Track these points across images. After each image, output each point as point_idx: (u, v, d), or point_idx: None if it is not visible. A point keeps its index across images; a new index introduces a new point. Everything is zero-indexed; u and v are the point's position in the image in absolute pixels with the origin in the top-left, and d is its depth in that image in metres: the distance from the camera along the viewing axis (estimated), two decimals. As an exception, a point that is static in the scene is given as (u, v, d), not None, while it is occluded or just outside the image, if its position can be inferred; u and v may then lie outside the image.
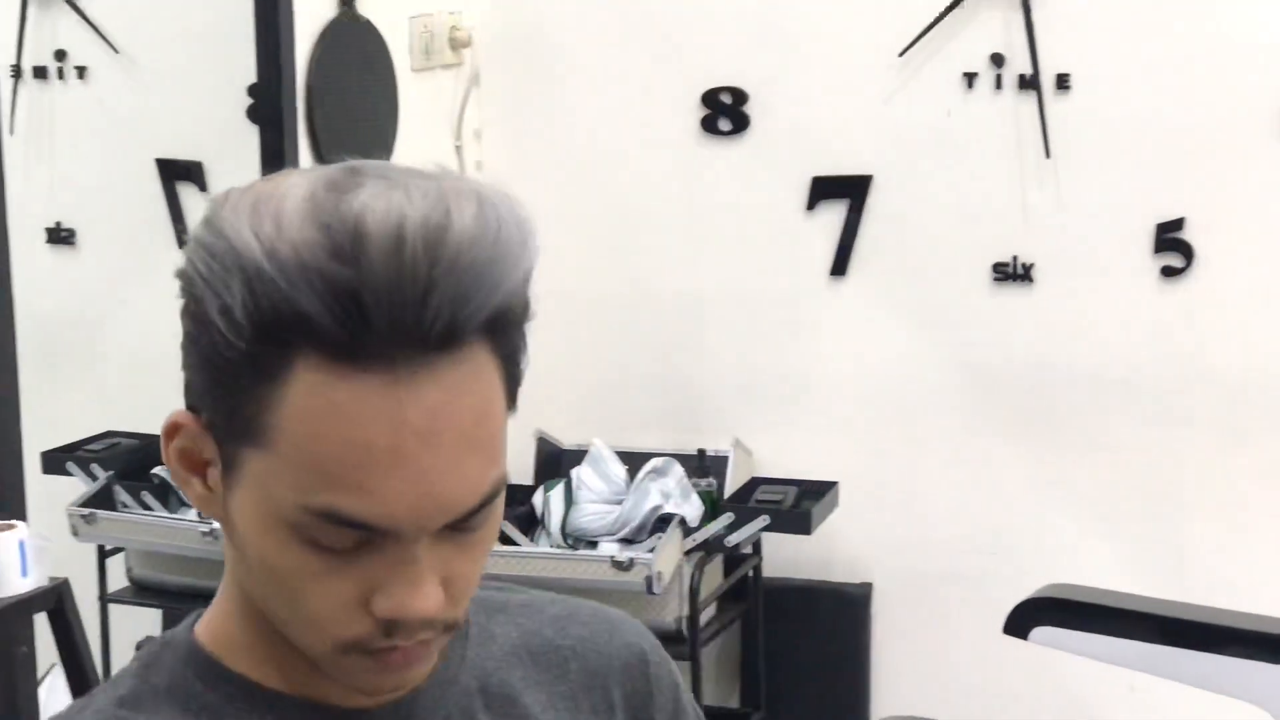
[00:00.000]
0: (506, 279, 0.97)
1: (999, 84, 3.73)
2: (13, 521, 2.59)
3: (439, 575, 1.01)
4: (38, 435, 2.90)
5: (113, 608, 3.40)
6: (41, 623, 2.70)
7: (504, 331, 1.01)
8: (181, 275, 1.01)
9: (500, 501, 1.03)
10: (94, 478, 3.33)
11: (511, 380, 1.04)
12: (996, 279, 3.79)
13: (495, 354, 1.00)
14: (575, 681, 1.21)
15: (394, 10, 3.71)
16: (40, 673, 2.84)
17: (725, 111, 3.92)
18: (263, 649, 1.09)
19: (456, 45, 3.94)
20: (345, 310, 0.94)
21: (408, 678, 1.07)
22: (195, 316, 0.99)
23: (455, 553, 1.02)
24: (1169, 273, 3.69)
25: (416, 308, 0.94)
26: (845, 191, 3.86)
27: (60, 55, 3.37)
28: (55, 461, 3.27)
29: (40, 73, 3.36)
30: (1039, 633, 2.73)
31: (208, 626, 1.12)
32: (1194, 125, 3.63)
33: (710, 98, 3.92)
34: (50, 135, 3.43)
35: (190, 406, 1.03)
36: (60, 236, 3.41)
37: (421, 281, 0.94)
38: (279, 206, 0.96)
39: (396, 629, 1.01)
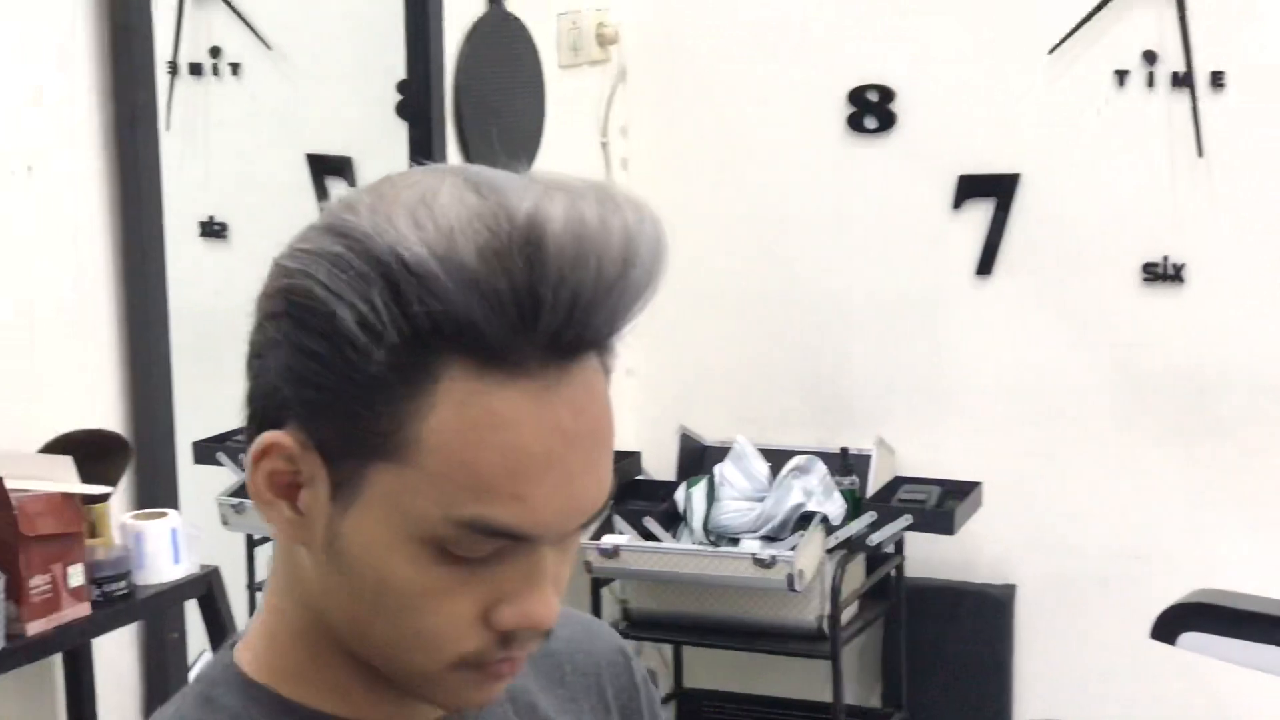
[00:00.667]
0: (657, 287, 0.97)
1: (1151, 81, 3.68)
2: (165, 510, 2.64)
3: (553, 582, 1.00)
4: (189, 426, 2.95)
5: (260, 597, 3.44)
6: (192, 609, 2.75)
7: (604, 347, 0.99)
8: (286, 291, 0.98)
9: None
10: (244, 468, 3.38)
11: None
12: (1146, 279, 3.75)
13: (600, 359, 0.99)
14: (573, 684, 1.20)
15: (542, 7, 3.73)
16: (190, 658, 2.90)
17: (871, 109, 3.90)
18: (317, 674, 1.05)
19: (604, 42, 3.96)
20: (514, 315, 0.92)
21: (501, 689, 1.06)
22: (312, 330, 0.95)
23: (563, 558, 1.01)
24: (1324, 274, 3.63)
25: (586, 314, 0.93)
26: (992, 190, 3.83)
27: (215, 52, 3.43)
28: (206, 452, 3.32)
29: (196, 69, 3.41)
30: (1187, 638, 2.70)
31: (253, 656, 1.07)
32: (1352, 124, 3.57)
33: (856, 95, 3.90)
34: (204, 131, 3.48)
35: (280, 424, 1.00)
36: (213, 230, 3.47)
37: (604, 288, 0.92)
38: (433, 209, 0.93)
39: (514, 639, 0.99)
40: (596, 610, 3.76)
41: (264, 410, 1.01)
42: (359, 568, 0.98)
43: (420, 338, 0.92)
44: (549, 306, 0.91)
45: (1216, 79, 3.63)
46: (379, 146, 3.47)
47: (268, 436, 1.00)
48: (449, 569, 0.96)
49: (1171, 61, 3.65)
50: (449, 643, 0.98)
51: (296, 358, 0.97)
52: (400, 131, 3.32)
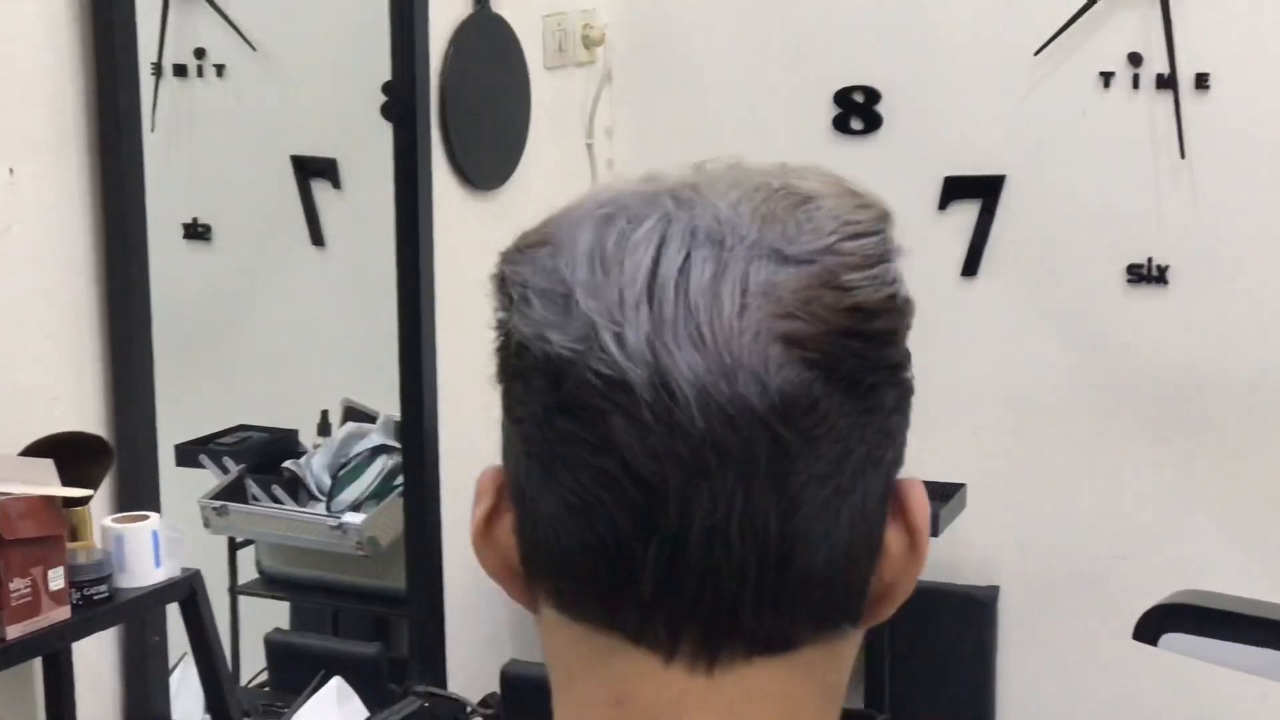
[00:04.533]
0: None
1: (1136, 83, 3.68)
2: (146, 513, 2.64)
3: None
4: (172, 428, 2.95)
5: (242, 599, 3.45)
6: (173, 613, 2.75)
7: None
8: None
9: None
10: (226, 470, 3.38)
11: None
12: (1131, 281, 3.75)
13: None
14: None
15: (527, 9, 3.73)
16: (171, 662, 2.89)
17: (857, 110, 3.90)
18: None
19: (589, 43, 3.96)
20: None
21: None
22: None
23: None
24: (1308, 276, 3.64)
25: None
26: (978, 191, 3.83)
27: (200, 53, 3.42)
28: (188, 454, 3.32)
29: (180, 70, 3.41)
30: (1169, 639, 2.71)
31: None
32: (1336, 126, 3.57)
33: (842, 96, 3.91)
34: (189, 132, 3.48)
35: None
36: (197, 232, 3.46)
37: None
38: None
39: None
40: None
41: None
42: None
43: None
44: None
45: (1200, 81, 3.63)
46: (364, 148, 3.47)
47: None
48: None
49: (1156, 63, 3.65)
50: None
51: None
52: (385, 133, 3.32)
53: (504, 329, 0.85)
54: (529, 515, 0.84)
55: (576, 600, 0.84)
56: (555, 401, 0.82)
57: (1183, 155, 3.65)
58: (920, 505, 0.90)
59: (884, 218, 0.88)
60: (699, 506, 0.80)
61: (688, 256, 0.82)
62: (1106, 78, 3.70)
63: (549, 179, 3.82)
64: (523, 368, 0.83)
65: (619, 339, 0.80)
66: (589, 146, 4.01)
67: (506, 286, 0.86)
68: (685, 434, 0.80)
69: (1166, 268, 3.72)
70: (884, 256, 0.86)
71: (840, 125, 3.91)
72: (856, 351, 0.85)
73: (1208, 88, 3.63)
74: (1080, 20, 3.67)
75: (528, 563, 0.86)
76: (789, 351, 0.81)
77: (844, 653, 0.89)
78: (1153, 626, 2.72)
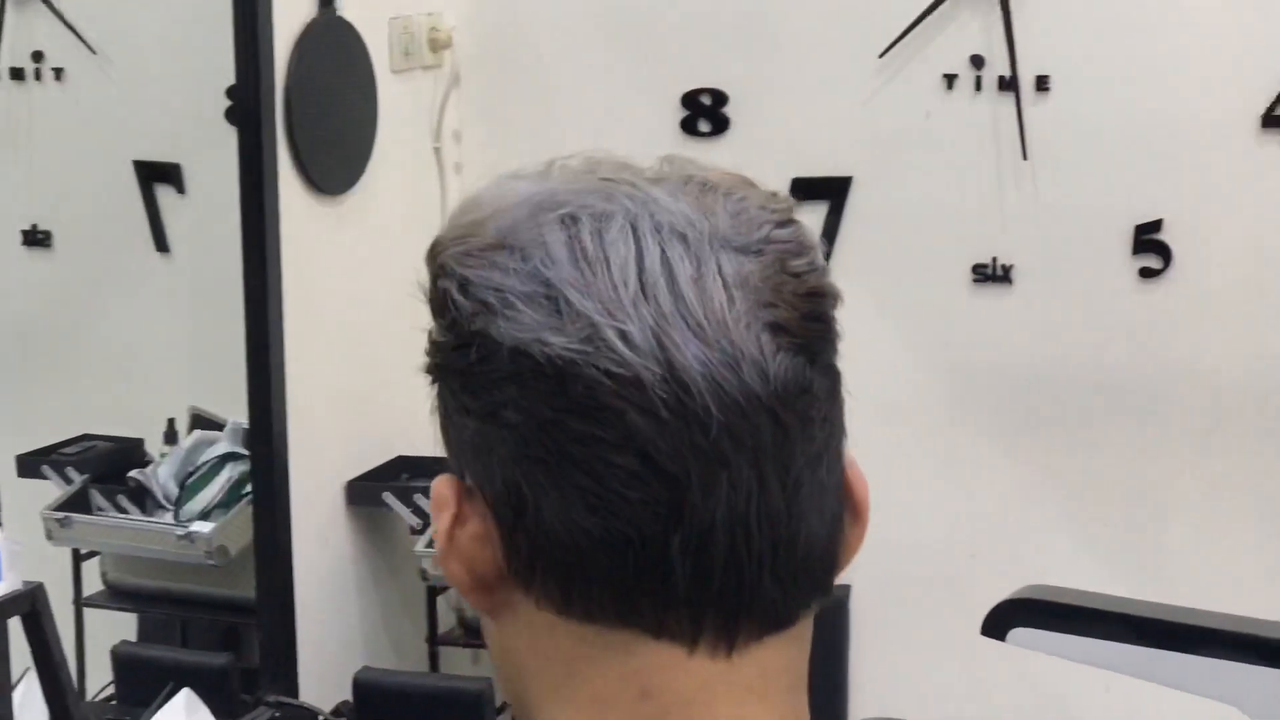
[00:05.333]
0: None
1: (979, 85, 3.73)
2: (-12, 525, 2.59)
3: None
4: (13, 439, 2.90)
5: (88, 612, 3.39)
6: (15, 627, 2.69)
7: None
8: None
9: None
10: (69, 481, 3.32)
11: None
12: (976, 280, 3.80)
13: None
14: None
15: (374, 11, 3.70)
16: (14, 677, 2.83)
17: (705, 113, 3.91)
18: None
19: (436, 46, 3.94)
20: None
21: None
22: None
23: None
24: (1147, 274, 3.70)
25: None
26: (825, 193, 3.86)
27: (38, 56, 3.36)
28: (30, 465, 3.26)
29: (17, 74, 3.34)
30: (1016, 634, 2.74)
31: None
32: (1172, 126, 3.64)
33: (690, 99, 3.92)
34: (28, 137, 3.42)
35: None
36: (36, 239, 3.40)
37: None
38: None
39: None
40: (433, 619, 3.73)
41: None
42: None
43: None
44: None
45: (1041, 82, 3.68)
46: (209, 152, 3.42)
47: None
48: None
49: (998, 66, 3.70)
50: None
51: None
52: (230, 137, 3.27)
53: (479, 335, 0.85)
54: (528, 518, 0.84)
55: (586, 599, 0.85)
56: (564, 404, 0.82)
57: (1025, 156, 3.70)
58: (862, 481, 0.93)
59: (791, 203, 0.92)
60: (720, 496, 0.83)
61: (664, 251, 0.85)
62: (950, 80, 3.74)
63: (397, 183, 3.80)
64: (517, 372, 0.83)
65: (624, 336, 0.82)
66: (437, 150, 3.99)
67: (472, 291, 0.85)
68: (702, 425, 0.82)
69: (1011, 267, 3.77)
70: (810, 241, 0.91)
71: (688, 127, 3.92)
72: (822, 334, 0.90)
73: (1048, 89, 3.69)
74: (923, 23, 3.71)
75: (523, 566, 0.86)
76: (777, 339, 0.85)
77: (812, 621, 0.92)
78: (1000, 622, 2.75)
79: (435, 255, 0.89)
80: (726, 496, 0.83)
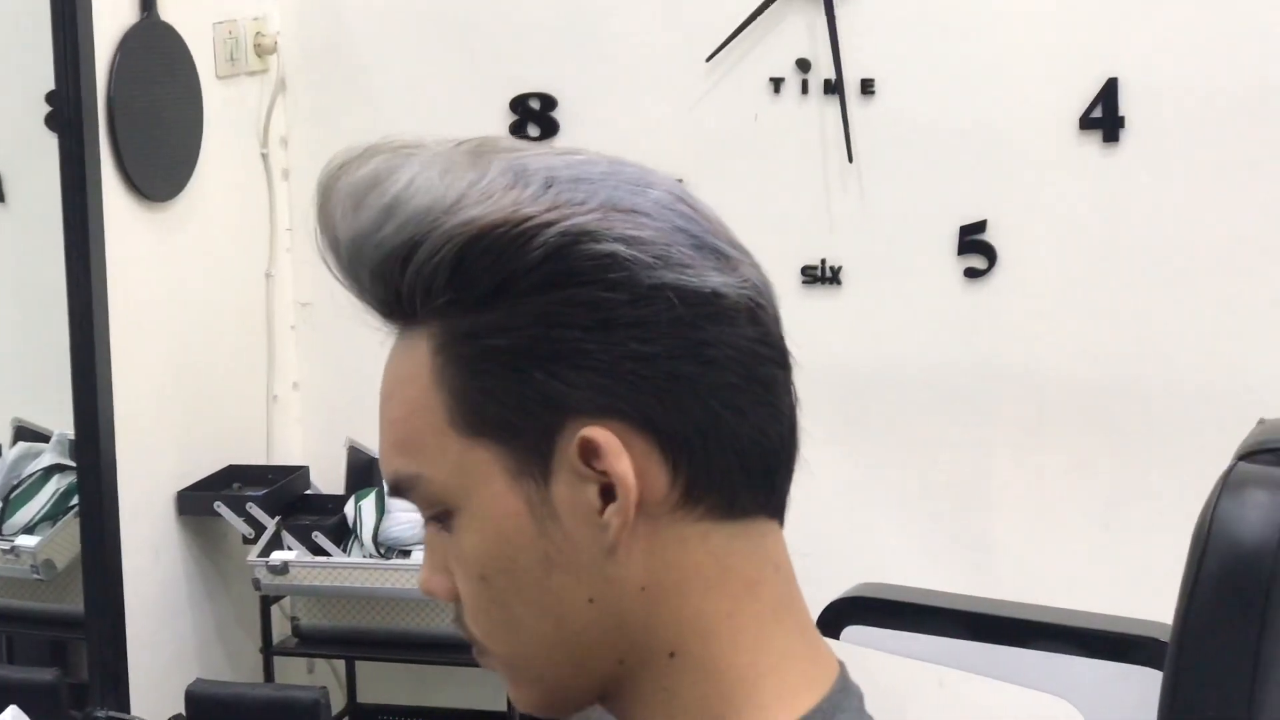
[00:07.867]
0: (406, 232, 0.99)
1: (805, 89, 3.76)
2: None
3: (438, 561, 1.08)
4: None
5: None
6: None
7: (447, 318, 0.98)
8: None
9: (434, 510, 1.05)
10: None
11: (452, 388, 0.98)
12: (805, 282, 3.83)
13: (433, 343, 0.99)
14: None
15: (197, 16, 3.66)
16: None
17: (534, 117, 3.91)
18: None
19: (262, 52, 3.90)
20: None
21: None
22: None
23: (450, 552, 1.05)
24: (972, 274, 3.76)
25: (347, 264, 1.01)
26: (655, 196, 3.86)
27: None
28: None
29: None
30: (850, 631, 2.77)
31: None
32: (995, 129, 3.70)
33: (519, 103, 3.91)
34: None
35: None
36: None
37: (341, 240, 1.01)
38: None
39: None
40: (267, 629, 3.70)
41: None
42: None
43: None
44: (329, 264, 1.01)
45: (866, 86, 3.73)
46: (28, 160, 3.36)
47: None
48: None
49: (823, 69, 3.74)
50: None
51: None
52: (50, 144, 3.21)
53: (666, 287, 0.97)
54: (721, 437, 0.99)
55: (749, 498, 1.03)
56: (756, 334, 1.01)
57: (850, 159, 3.74)
58: None
59: None
60: (790, 388, 1.07)
61: (691, 204, 1.07)
62: (777, 83, 3.77)
63: (224, 189, 3.75)
64: (716, 312, 0.99)
65: (756, 269, 1.04)
66: (264, 156, 3.95)
67: (644, 248, 0.97)
68: (780, 336, 1.05)
69: (839, 269, 3.81)
70: None
71: (517, 132, 3.91)
72: None
73: (873, 93, 3.73)
74: (750, 27, 3.74)
75: (702, 484, 0.99)
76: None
77: None
78: (834, 620, 2.77)
79: (553, 225, 0.97)
80: (794, 392, 1.06)
